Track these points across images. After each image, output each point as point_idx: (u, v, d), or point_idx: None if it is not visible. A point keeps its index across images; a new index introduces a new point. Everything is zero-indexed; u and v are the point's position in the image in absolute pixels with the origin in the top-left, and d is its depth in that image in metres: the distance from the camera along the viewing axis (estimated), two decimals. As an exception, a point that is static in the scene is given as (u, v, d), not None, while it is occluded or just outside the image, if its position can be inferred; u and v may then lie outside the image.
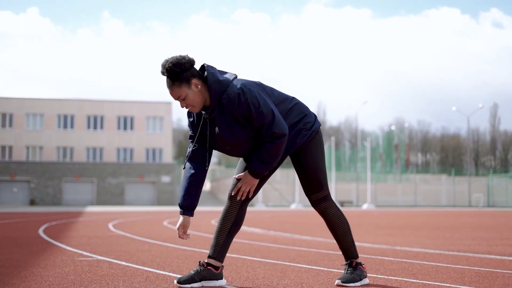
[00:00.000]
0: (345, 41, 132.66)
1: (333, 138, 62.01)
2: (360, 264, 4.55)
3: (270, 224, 15.99)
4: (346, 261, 4.57)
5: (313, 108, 71.24)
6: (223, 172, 73.15)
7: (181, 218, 4.39)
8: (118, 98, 67.76)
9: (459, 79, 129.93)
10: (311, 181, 4.42)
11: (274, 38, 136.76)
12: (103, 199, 59.13)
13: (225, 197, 65.15)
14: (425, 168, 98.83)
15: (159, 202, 59.88)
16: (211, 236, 9.91)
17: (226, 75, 4.21)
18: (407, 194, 67.24)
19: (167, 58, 4.10)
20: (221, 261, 4.40)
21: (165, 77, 4.13)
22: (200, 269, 4.35)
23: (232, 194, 4.38)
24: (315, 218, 19.88)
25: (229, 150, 4.29)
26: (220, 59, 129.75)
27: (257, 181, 4.31)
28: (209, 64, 4.23)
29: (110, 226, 14.65)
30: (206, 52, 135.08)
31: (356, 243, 6.54)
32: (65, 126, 63.74)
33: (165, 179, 60.51)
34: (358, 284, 4.43)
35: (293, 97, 4.43)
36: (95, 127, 64.32)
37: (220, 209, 43.12)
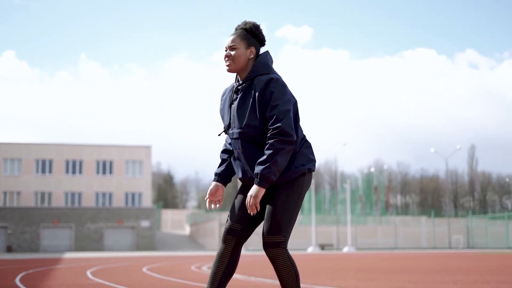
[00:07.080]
0: (323, 82, 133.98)
1: (313, 181, 62.05)
2: None
3: (252, 270, 15.86)
4: None
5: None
6: (203, 216, 72.67)
7: (212, 184, 4.38)
8: (97, 142, 67.60)
9: (437, 121, 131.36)
10: (271, 219, 4.10)
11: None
12: (82, 245, 58.39)
13: (204, 241, 64.59)
14: (404, 210, 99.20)
15: (138, 247, 59.22)
16: (191, 283, 9.75)
17: (273, 68, 4.35)
18: (388, 236, 67.24)
19: (246, 21, 4.36)
20: None
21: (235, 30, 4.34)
22: None
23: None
24: (297, 262, 19.73)
25: (235, 136, 4.21)
26: (199, 99, 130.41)
27: (263, 191, 4.03)
28: (270, 55, 4.41)
29: (89, 273, 14.43)
30: (186, 93, 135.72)
31: (338, 291, 6.51)
32: (43, 171, 63.26)
33: (144, 223, 59.99)
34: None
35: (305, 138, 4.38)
36: (73, 172, 63.90)
37: (200, 253, 42.78)
